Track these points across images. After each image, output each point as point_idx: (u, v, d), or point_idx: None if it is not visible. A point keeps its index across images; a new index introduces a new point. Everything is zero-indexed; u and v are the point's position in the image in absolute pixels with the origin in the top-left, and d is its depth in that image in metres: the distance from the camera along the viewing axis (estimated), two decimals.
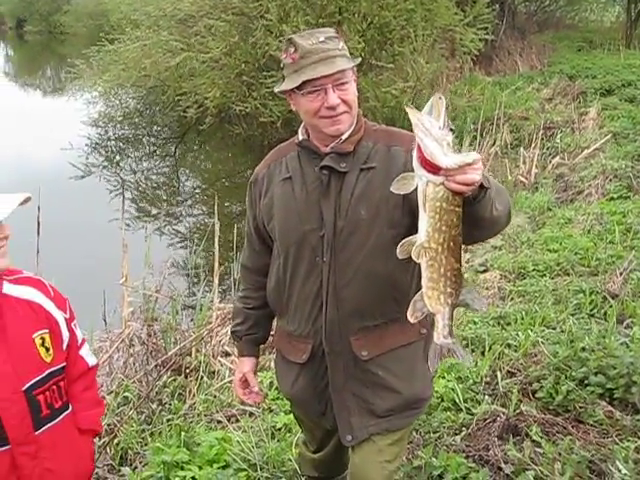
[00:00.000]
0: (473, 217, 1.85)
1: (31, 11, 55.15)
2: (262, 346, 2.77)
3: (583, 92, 15.77)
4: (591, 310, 5.19)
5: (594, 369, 3.52)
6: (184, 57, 13.33)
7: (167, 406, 4.53)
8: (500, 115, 13.11)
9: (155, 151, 16.62)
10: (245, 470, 3.48)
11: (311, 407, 2.47)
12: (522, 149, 11.58)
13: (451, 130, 1.65)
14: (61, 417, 2.15)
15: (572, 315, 5.12)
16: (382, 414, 2.30)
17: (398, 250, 1.81)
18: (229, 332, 5.40)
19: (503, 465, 2.99)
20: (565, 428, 3.36)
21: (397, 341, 2.24)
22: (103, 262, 7.05)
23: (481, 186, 1.79)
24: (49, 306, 2.14)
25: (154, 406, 4.52)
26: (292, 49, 2.15)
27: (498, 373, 4.11)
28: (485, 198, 1.84)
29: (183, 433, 3.66)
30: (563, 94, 15.92)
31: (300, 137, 2.31)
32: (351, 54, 2.25)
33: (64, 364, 2.18)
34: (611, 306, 5.06)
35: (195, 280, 7.75)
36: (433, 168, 1.65)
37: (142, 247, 7.42)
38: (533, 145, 11.40)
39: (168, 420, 4.29)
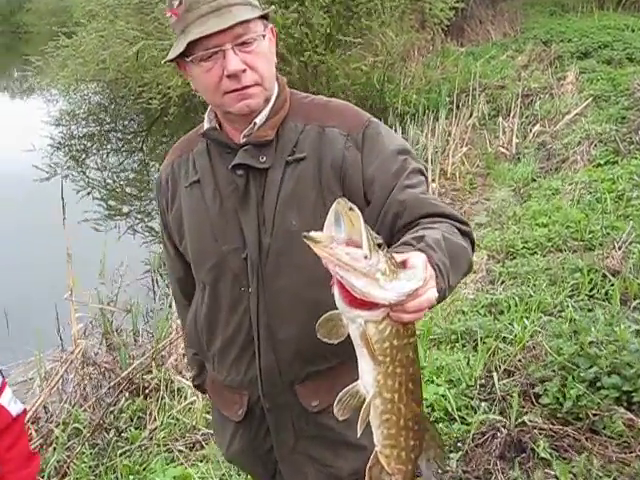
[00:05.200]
0: None
1: None
2: None
3: (559, 56, 15.22)
4: (590, 290, 4.71)
5: (607, 368, 3.03)
6: (142, 45, 12.68)
7: (125, 434, 4.01)
8: (475, 86, 12.63)
9: (123, 146, 15.97)
10: None
11: (255, 472, 1.97)
12: (501, 119, 11.12)
13: (379, 245, 1.15)
14: None
15: (570, 297, 4.65)
16: (347, 478, 1.77)
17: (336, 409, 1.26)
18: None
19: None
20: (578, 440, 2.88)
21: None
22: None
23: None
24: None
25: (110, 435, 4.01)
26: (175, 2, 1.59)
27: (494, 374, 3.62)
28: (444, 295, 1.37)
29: (133, 477, 3.13)
30: (539, 60, 15.38)
31: (206, 125, 1.75)
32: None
33: None
34: (612, 285, 4.57)
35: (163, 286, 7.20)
36: (369, 304, 1.17)
37: (116, 247, 6.93)
38: (512, 114, 10.96)
39: (124, 453, 3.78)
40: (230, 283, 1.70)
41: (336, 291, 1.17)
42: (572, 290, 4.78)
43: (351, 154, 1.63)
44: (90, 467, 3.73)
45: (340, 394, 1.26)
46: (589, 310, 4.42)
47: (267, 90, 1.64)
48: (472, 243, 1.61)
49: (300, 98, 1.75)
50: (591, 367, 3.07)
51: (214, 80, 1.58)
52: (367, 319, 1.17)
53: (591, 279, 4.76)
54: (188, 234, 1.77)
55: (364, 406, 1.25)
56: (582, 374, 3.06)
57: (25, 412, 1.94)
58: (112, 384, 4.31)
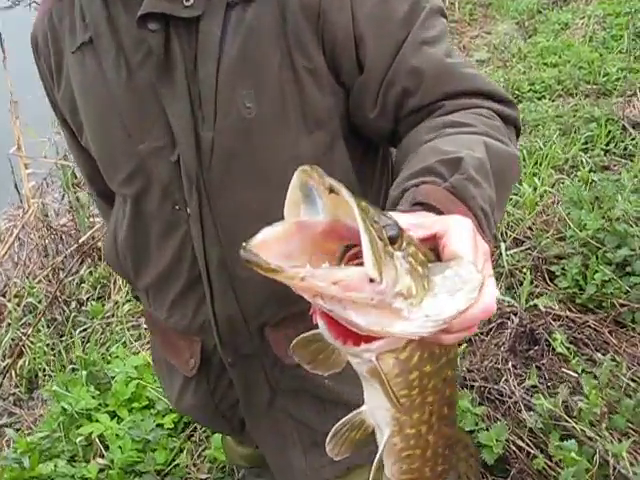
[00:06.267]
0: None
1: None
2: None
3: None
4: (607, 144, 4.19)
5: None
6: None
7: (87, 307, 3.61)
8: None
9: None
10: (174, 412, 2.61)
11: (218, 429, 1.55)
12: None
13: (391, 239, 0.61)
14: None
15: (584, 151, 4.14)
16: None
17: (329, 447, 0.79)
18: None
19: (525, 415, 2.11)
20: (600, 333, 2.48)
21: None
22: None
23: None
24: None
25: (70, 308, 3.61)
26: None
27: (502, 244, 3.18)
28: None
29: (89, 369, 2.74)
30: None
31: None
32: None
33: None
34: (634, 139, 4.05)
35: None
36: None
37: None
38: None
39: (85, 330, 3.40)
40: (158, 199, 1.16)
41: (320, 322, 0.65)
42: (586, 143, 4.27)
43: None
44: (48, 345, 3.37)
45: (336, 426, 0.79)
46: (605, 168, 3.95)
47: None
48: (517, 131, 1.08)
49: None
50: (620, 247, 2.62)
51: None
52: (380, 352, 0.67)
53: (609, 131, 4.23)
54: (87, 125, 1.20)
55: (377, 457, 0.78)
56: (608, 255, 2.62)
57: None
58: (70, 250, 3.85)
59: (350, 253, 0.62)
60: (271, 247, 0.59)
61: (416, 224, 0.68)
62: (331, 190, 0.59)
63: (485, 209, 0.81)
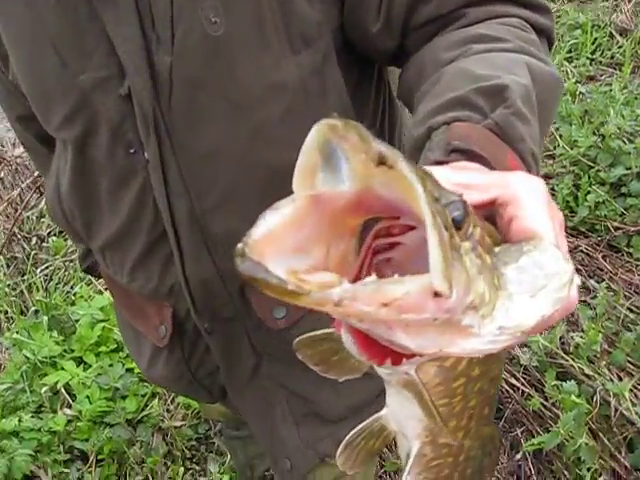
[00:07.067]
0: None
1: None
2: None
3: None
4: (592, 53, 3.99)
5: (636, 168, 2.40)
6: None
7: (48, 243, 3.41)
8: None
9: None
10: None
11: (195, 397, 1.41)
12: None
13: (456, 223, 0.41)
14: None
15: (568, 61, 3.94)
16: (338, 417, 1.15)
17: (341, 459, 0.63)
18: None
19: (519, 352, 1.98)
20: (593, 259, 2.34)
21: None
22: None
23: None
24: None
25: (31, 245, 3.41)
26: None
27: None
28: None
29: (51, 313, 2.56)
30: None
31: None
32: None
33: None
34: (621, 47, 3.85)
35: None
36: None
37: None
38: None
39: (47, 267, 3.21)
40: (106, 143, 0.94)
41: (345, 337, 0.46)
42: (570, 51, 4.06)
43: None
44: (9, 286, 3.17)
45: (350, 435, 0.64)
46: (591, 78, 3.77)
47: None
48: (550, 46, 0.88)
49: None
50: (613, 165, 2.45)
51: None
52: (421, 363, 0.50)
53: (595, 39, 4.01)
54: (12, 55, 0.96)
55: (405, 474, 0.62)
56: (602, 174, 2.45)
57: None
58: (27, 182, 3.61)
59: (377, 228, 0.44)
60: (281, 242, 0.39)
61: (465, 184, 0.49)
62: (381, 162, 0.39)
63: (535, 153, 0.62)
